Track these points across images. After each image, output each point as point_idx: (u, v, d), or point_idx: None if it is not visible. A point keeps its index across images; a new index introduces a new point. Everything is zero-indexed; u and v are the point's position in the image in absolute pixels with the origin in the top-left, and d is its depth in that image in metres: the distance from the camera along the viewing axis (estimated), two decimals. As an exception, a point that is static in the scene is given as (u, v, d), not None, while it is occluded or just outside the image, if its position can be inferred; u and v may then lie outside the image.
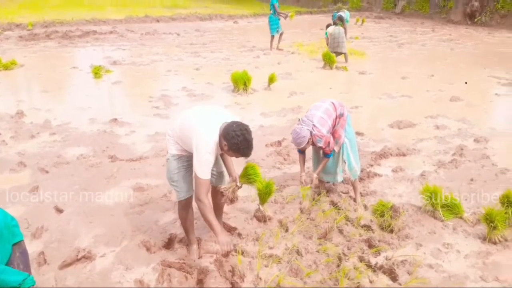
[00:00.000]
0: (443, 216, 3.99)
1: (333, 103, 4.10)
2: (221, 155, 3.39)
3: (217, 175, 3.44)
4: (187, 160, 3.23)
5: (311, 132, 3.85)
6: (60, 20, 19.44)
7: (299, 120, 4.01)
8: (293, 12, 13.72)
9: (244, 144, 2.90)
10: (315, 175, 4.19)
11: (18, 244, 2.69)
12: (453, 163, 5.22)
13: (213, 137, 2.95)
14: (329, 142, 4.00)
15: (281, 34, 13.78)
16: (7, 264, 2.51)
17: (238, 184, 3.39)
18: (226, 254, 3.05)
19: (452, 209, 4.01)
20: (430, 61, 12.13)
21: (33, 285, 2.50)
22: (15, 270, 2.45)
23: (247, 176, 3.51)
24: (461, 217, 4.00)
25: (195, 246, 3.52)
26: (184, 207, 3.36)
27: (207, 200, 3.02)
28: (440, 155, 5.53)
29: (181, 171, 3.25)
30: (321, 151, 4.22)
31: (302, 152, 4.24)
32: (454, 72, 10.71)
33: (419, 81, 9.70)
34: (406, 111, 7.37)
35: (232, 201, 4.30)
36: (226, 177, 3.49)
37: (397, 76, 10.14)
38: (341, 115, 4.09)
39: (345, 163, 4.24)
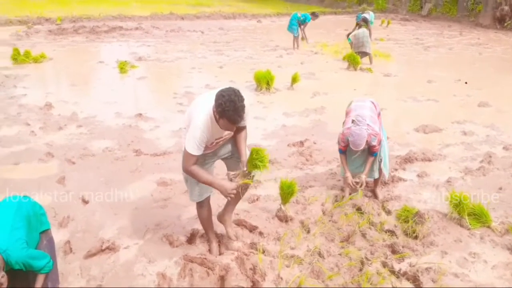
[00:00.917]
0: (470, 224, 3.89)
1: (372, 102, 4.15)
2: (235, 135, 3.14)
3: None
4: (201, 160, 3.08)
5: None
6: (88, 16, 19.81)
7: (352, 121, 3.94)
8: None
9: (229, 106, 2.61)
10: (363, 176, 4.15)
11: (45, 233, 2.77)
12: (480, 170, 5.09)
13: (206, 111, 2.81)
14: (380, 140, 4.02)
15: (297, 37, 13.79)
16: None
17: (244, 169, 3.09)
18: (230, 193, 2.98)
19: (479, 217, 3.91)
20: (457, 65, 11.88)
21: (49, 270, 2.57)
22: (40, 255, 2.51)
23: (252, 161, 3.14)
24: (488, 226, 3.90)
25: (215, 244, 3.50)
26: (202, 206, 3.32)
27: (194, 166, 2.92)
28: (467, 162, 5.41)
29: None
30: (357, 153, 4.19)
31: (344, 152, 4.21)
32: (482, 77, 10.45)
33: (445, 85, 9.50)
34: (432, 116, 7.24)
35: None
36: None
37: (423, 80, 9.95)
38: (379, 113, 4.15)
39: (381, 160, 4.22)
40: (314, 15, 13.64)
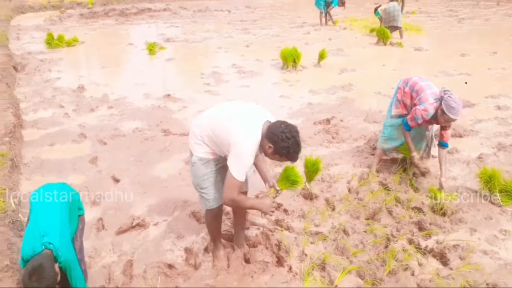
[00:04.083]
0: (501, 201, 3.79)
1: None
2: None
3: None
4: (216, 163, 2.85)
5: None
6: (117, -2, 20.09)
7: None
8: (337, 20, 13.49)
9: (295, 148, 2.57)
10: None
11: (82, 217, 2.89)
12: (515, 146, 4.91)
13: (256, 138, 2.60)
14: None
15: (325, 13, 13.47)
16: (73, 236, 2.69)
17: (278, 188, 2.97)
18: (271, 212, 2.86)
19: (512, 194, 3.80)
20: (493, 37, 11.33)
21: None
22: (80, 272, 2.59)
23: (286, 177, 3.07)
24: (521, 204, 3.79)
25: (222, 252, 3.21)
26: (215, 216, 3.03)
27: (240, 196, 2.74)
28: (500, 137, 5.22)
29: (211, 177, 2.86)
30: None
31: (410, 129, 4.06)
32: (521, 49, 9.94)
33: (480, 59, 9.11)
34: (464, 90, 6.97)
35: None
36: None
37: (456, 53, 9.57)
38: None
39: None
40: (342, 1, 13.27)
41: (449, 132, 3.95)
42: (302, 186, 3.29)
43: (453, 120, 3.71)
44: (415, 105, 3.94)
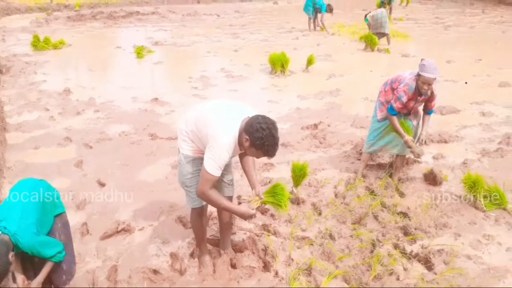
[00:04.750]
0: (485, 206, 3.84)
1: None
2: (242, 161, 2.97)
3: (229, 183, 3.07)
4: (201, 162, 2.74)
5: None
6: (105, 1, 19.97)
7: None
8: (323, 28, 13.49)
9: (270, 140, 2.47)
10: (424, 133, 4.15)
11: (60, 216, 2.82)
12: (498, 152, 4.99)
13: (233, 131, 2.57)
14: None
15: (313, 19, 13.59)
16: (48, 233, 2.65)
17: (262, 197, 2.88)
18: (249, 218, 2.83)
19: (495, 199, 3.85)
20: (478, 45, 11.52)
21: (60, 260, 2.60)
22: (52, 243, 2.56)
23: (274, 193, 2.95)
24: (504, 209, 3.83)
25: (207, 258, 3.20)
26: (199, 215, 3.04)
27: (212, 191, 2.68)
28: (484, 143, 5.30)
29: (196, 176, 2.84)
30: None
31: (396, 113, 4.08)
32: (504, 56, 10.11)
33: (465, 66, 9.25)
34: (449, 97, 7.06)
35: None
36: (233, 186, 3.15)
37: (442, 60, 9.68)
38: None
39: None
40: (330, 8, 13.41)
41: (433, 103, 4.10)
42: (284, 211, 3.08)
43: (430, 79, 3.79)
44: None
